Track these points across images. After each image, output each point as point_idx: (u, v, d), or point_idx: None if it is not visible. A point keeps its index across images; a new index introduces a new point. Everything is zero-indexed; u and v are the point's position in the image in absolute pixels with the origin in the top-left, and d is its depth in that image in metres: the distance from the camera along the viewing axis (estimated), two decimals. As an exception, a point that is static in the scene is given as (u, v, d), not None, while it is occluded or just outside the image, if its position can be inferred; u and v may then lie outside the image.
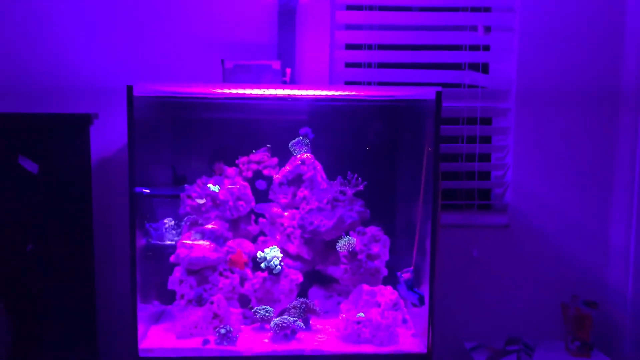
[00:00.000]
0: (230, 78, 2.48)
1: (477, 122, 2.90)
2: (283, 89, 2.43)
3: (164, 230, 2.65)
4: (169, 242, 2.65)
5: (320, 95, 2.63)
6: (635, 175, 2.82)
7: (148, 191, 2.35)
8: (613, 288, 2.93)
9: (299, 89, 2.54)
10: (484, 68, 2.96)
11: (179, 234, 2.66)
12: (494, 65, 2.97)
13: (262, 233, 2.69)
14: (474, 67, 2.92)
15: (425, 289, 2.33)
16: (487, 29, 2.74)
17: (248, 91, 2.46)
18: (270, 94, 2.53)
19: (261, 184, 2.62)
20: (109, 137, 2.74)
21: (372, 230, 2.56)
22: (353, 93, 2.61)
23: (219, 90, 2.48)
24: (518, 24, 2.85)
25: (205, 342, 2.31)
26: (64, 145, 2.42)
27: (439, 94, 2.24)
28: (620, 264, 2.89)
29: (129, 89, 2.19)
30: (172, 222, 2.69)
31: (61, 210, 2.43)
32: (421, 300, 2.32)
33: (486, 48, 2.93)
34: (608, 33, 2.86)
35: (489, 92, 2.91)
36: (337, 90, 2.59)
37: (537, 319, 2.95)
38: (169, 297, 2.53)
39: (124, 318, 2.38)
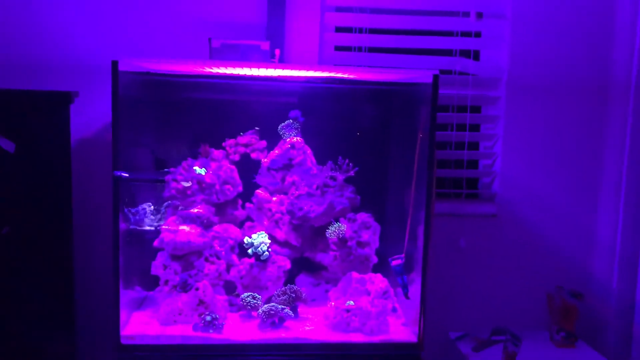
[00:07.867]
0: (218, 57, 2.38)
1: (467, 110, 2.87)
2: (273, 68, 2.34)
3: (143, 215, 2.56)
4: (148, 228, 2.55)
5: (310, 76, 2.55)
6: (623, 167, 2.81)
7: (127, 175, 2.26)
8: (598, 280, 2.93)
9: (289, 69, 2.46)
10: (475, 55, 2.92)
11: (159, 219, 2.57)
12: (485, 52, 2.93)
13: (249, 218, 2.61)
14: (465, 54, 2.88)
15: (416, 277, 2.29)
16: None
17: (237, 70, 2.38)
18: (259, 74, 2.45)
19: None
20: (90, 117, 2.63)
21: (363, 217, 2.50)
22: (345, 75, 2.54)
23: (207, 69, 2.39)
24: (510, 11, 2.81)
25: (196, 327, 2.24)
26: (43, 124, 2.30)
27: (436, 77, 2.17)
28: (606, 256, 2.89)
29: (114, 63, 2.09)
30: (152, 207, 2.60)
31: (39, 192, 2.32)
32: (404, 288, 2.29)
33: (478, 35, 2.89)
34: (599, 24, 2.84)
35: (479, 80, 2.87)
36: (328, 71, 2.52)
37: (522, 309, 2.93)
38: (152, 283, 2.44)
39: (105, 304, 2.29)
